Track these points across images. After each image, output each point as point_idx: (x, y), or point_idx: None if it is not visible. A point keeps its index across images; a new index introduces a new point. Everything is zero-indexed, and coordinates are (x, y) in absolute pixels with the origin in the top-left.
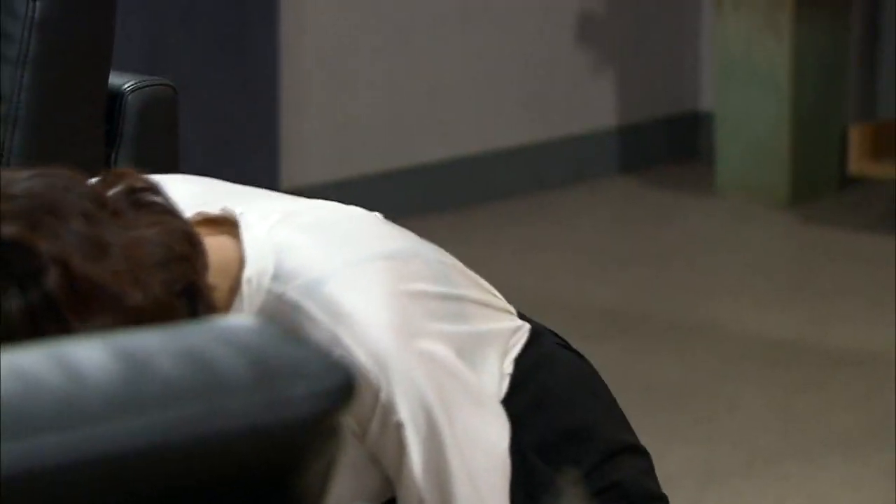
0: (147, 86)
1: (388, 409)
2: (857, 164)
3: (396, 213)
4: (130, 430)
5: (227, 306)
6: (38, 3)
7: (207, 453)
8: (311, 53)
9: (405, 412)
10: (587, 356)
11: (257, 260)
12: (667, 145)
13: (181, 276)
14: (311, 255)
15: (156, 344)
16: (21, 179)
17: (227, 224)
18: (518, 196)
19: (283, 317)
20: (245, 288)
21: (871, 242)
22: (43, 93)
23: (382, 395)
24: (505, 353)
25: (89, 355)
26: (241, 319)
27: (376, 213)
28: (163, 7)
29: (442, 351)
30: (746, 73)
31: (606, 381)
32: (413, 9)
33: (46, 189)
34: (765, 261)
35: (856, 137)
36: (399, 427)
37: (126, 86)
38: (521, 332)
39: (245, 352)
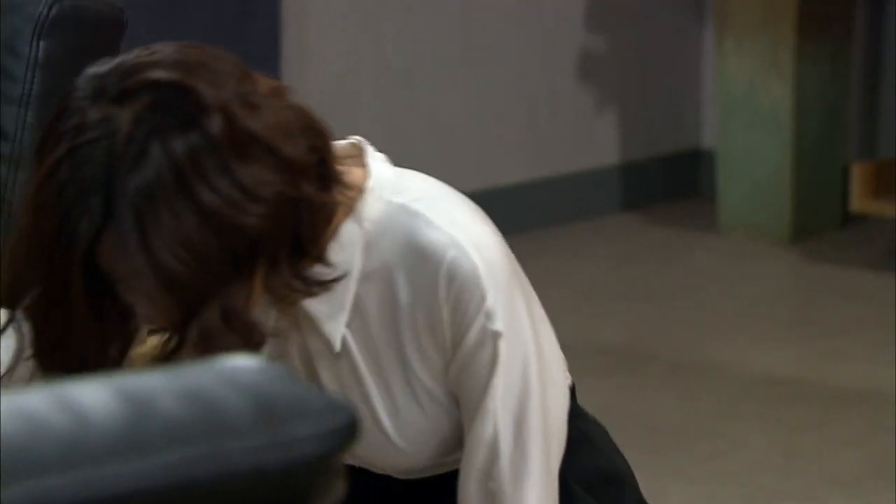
0: None
1: (491, 316)
2: (859, 201)
3: None
4: (134, 471)
5: (348, 208)
6: (41, 43)
7: (211, 494)
8: (313, 91)
9: (504, 324)
10: (589, 394)
11: (380, 176)
12: (669, 183)
13: (319, 146)
14: (429, 185)
15: (159, 385)
16: (175, 47)
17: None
18: (520, 233)
19: (400, 222)
20: (367, 195)
21: (873, 280)
22: None
23: (489, 300)
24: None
25: (92, 396)
26: (244, 360)
27: None
28: None
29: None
30: (748, 111)
31: (609, 420)
32: (415, 46)
33: (200, 53)
34: (767, 298)
35: (858, 175)
36: (496, 337)
37: None
38: (568, 382)
39: (248, 392)
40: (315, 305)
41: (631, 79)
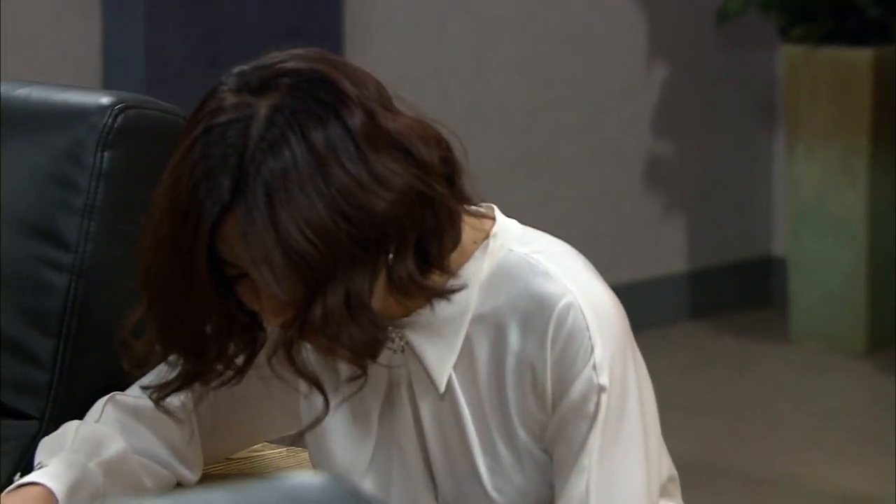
0: None
1: (599, 369)
2: None
3: None
4: None
5: (472, 249)
6: (106, 154)
7: None
8: None
9: (610, 379)
10: None
11: (507, 226)
12: (738, 291)
13: (450, 158)
14: (554, 242)
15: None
16: (316, 49)
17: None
18: None
19: (519, 271)
20: (491, 241)
21: None
22: (108, 243)
23: (597, 353)
24: None
25: None
26: (307, 478)
27: None
28: None
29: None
30: (820, 218)
31: None
32: (479, 153)
33: (341, 57)
34: (840, 412)
35: None
36: (600, 391)
37: None
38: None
39: None
40: (424, 343)
41: (699, 184)
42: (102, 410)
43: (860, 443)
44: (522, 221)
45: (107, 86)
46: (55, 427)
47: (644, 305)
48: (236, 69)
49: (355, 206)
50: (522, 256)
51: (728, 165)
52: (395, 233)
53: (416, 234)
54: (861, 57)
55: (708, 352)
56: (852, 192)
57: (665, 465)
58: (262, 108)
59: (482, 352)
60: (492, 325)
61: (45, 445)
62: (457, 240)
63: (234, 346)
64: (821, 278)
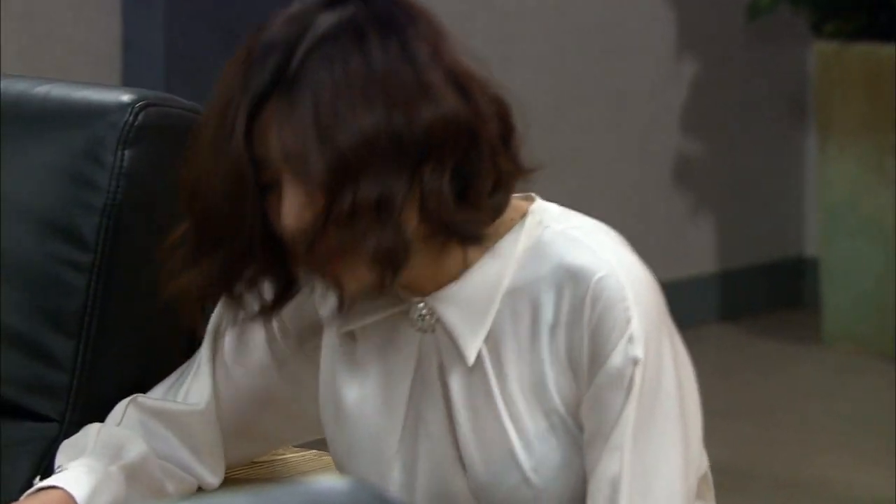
0: None
1: (634, 341)
2: None
3: None
4: None
5: (507, 227)
6: (126, 152)
7: None
8: None
9: (645, 352)
10: None
11: (546, 206)
12: (769, 292)
13: (506, 120)
14: (593, 221)
15: None
16: None
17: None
18: None
19: (556, 245)
20: (529, 217)
21: None
22: (129, 242)
23: (634, 325)
24: None
25: None
26: (332, 482)
27: None
28: None
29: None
30: (852, 219)
31: None
32: None
33: None
34: (874, 415)
35: None
36: (635, 363)
37: None
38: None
39: None
40: (455, 316)
41: (729, 184)
42: (124, 413)
43: (892, 446)
44: None
45: (127, 82)
46: (75, 429)
47: (674, 307)
48: None
49: (400, 109)
50: (559, 232)
51: (758, 164)
52: (434, 152)
53: (455, 162)
54: (889, 53)
55: (738, 354)
56: (884, 192)
57: (703, 460)
58: (326, 15)
59: (516, 326)
60: (526, 299)
61: (66, 449)
62: (501, 197)
63: (268, 282)
64: (853, 279)
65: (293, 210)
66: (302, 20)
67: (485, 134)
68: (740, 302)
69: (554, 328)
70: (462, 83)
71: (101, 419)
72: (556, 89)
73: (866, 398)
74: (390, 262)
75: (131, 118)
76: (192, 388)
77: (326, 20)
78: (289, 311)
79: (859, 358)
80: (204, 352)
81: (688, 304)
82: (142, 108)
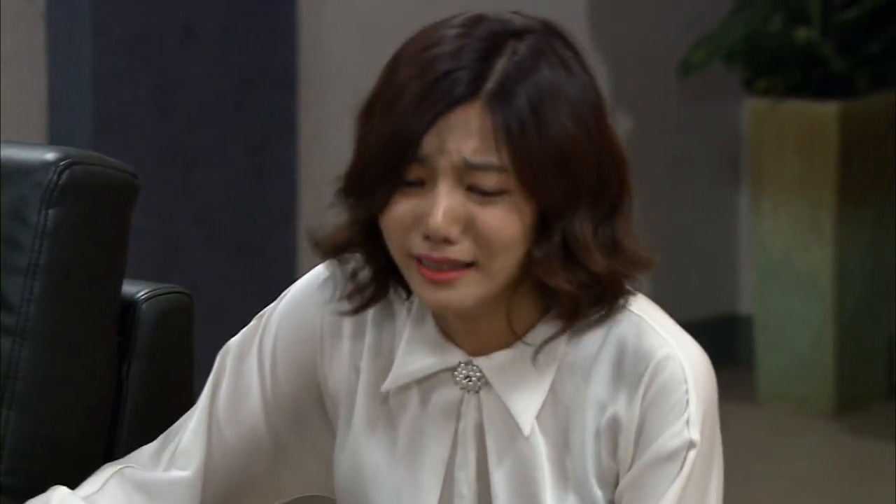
0: (162, 294)
1: (692, 424)
2: None
3: None
4: None
5: None
6: (50, 212)
7: None
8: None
9: (701, 436)
10: None
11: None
12: (704, 349)
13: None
14: (646, 299)
15: None
16: None
17: None
18: None
19: (616, 324)
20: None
21: None
22: (53, 304)
23: (692, 407)
24: None
25: None
26: None
27: None
28: (178, 210)
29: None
30: (787, 276)
31: None
32: None
33: None
34: (809, 475)
35: None
36: (690, 447)
37: (140, 294)
38: None
39: None
40: (507, 384)
41: (663, 241)
42: (105, 483)
43: None
44: None
45: (53, 139)
46: (4, 500)
47: None
48: (452, 27)
49: (605, 149)
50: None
51: (692, 221)
52: (614, 186)
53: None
54: (827, 111)
55: None
56: (819, 249)
57: None
58: (514, 37)
59: (564, 397)
60: (580, 371)
61: None
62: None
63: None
64: (788, 337)
65: (448, 209)
66: (492, 40)
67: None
68: None
69: (604, 405)
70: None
71: (38, 487)
72: None
73: (805, 458)
74: (578, 304)
75: (55, 177)
76: (183, 447)
77: (519, 40)
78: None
79: (796, 417)
80: (201, 404)
81: None
82: (66, 167)
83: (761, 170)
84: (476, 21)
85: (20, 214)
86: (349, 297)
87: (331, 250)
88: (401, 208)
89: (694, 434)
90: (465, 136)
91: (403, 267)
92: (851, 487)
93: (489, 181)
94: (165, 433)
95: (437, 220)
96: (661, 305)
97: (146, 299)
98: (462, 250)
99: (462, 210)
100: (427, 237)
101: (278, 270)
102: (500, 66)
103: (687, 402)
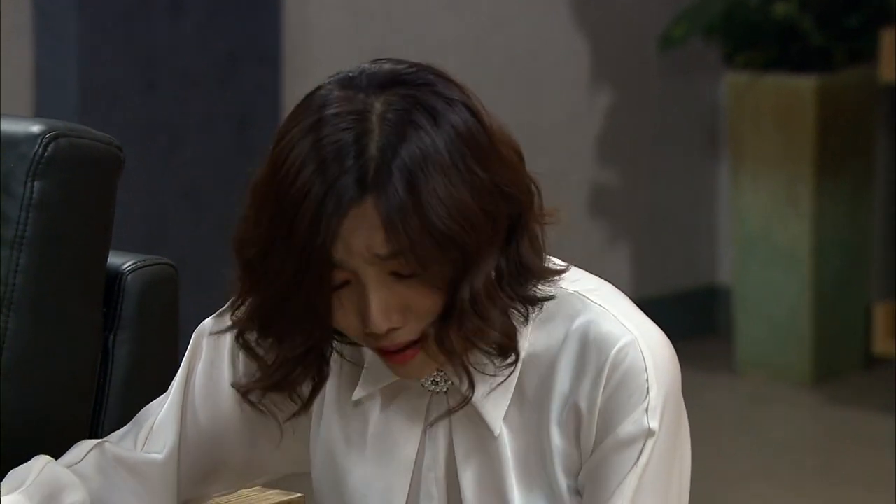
0: (147, 265)
1: (651, 412)
2: (882, 343)
3: None
4: None
5: None
6: (36, 183)
7: None
8: None
9: (660, 425)
10: None
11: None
12: (684, 320)
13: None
14: (604, 282)
15: None
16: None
17: None
18: None
19: (573, 309)
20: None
21: None
22: (39, 275)
23: (652, 395)
24: None
25: None
26: None
27: None
28: (163, 185)
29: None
30: (765, 248)
31: None
32: None
33: None
34: (787, 444)
35: (880, 316)
36: (649, 435)
37: (125, 266)
38: None
39: None
40: (476, 386)
41: (643, 213)
42: (86, 455)
43: (808, 475)
44: None
45: (39, 113)
46: None
47: None
48: (336, 76)
49: (488, 175)
50: (575, 294)
51: (673, 194)
52: (517, 219)
53: (527, 230)
54: (805, 84)
55: None
56: (797, 222)
57: None
58: (380, 99)
59: (528, 392)
60: (543, 365)
61: (9, 479)
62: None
63: (301, 371)
64: (766, 308)
65: (382, 314)
66: (358, 108)
67: (537, 200)
68: None
69: (567, 395)
70: (513, 146)
71: (23, 454)
72: None
73: (782, 427)
74: (510, 335)
75: (41, 149)
76: (157, 429)
77: (382, 104)
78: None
79: (773, 386)
80: (175, 385)
81: None
82: (52, 139)
83: (740, 144)
84: (345, 100)
85: (6, 186)
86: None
87: (269, 387)
88: (344, 319)
89: (653, 423)
90: (367, 233)
91: (364, 344)
92: (829, 455)
93: (402, 266)
94: (141, 412)
95: (375, 320)
96: (642, 277)
97: (132, 271)
98: (409, 331)
99: (395, 298)
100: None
101: None
102: (374, 150)
103: (647, 390)
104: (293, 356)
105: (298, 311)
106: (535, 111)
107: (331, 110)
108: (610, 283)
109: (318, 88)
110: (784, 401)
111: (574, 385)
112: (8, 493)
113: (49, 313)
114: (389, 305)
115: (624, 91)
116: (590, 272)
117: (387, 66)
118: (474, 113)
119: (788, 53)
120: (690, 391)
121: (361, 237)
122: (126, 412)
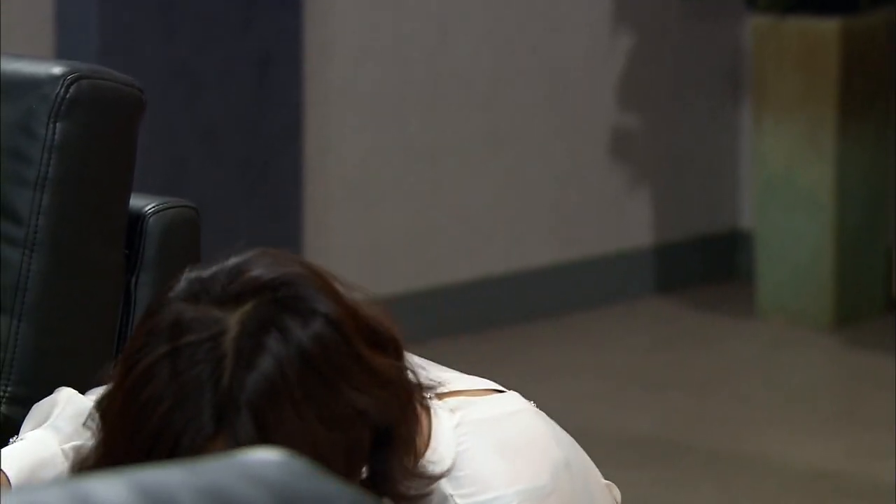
0: (169, 208)
1: None
2: None
3: (424, 334)
4: None
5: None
6: (58, 125)
7: None
8: (336, 174)
9: None
10: (622, 487)
11: (438, 452)
12: (705, 265)
13: (400, 352)
14: (486, 470)
15: (178, 481)
16: (271, 256)
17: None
18: (548, 318)
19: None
20: (434, 437)
21: None
22: (61, 216)
23: None
24: None
25: (109, 493)
26: (265, 455)
27: (532, 405)
28: (184, 128)
29: None
30: (787, 191)
31: None
32: (439, 129)
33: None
34: (808, 388)
35: None
36: None
37: (147, 208)
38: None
39: (270, 488)
40: None
41: (665, 157)
42: None
43: (828, 419)
44: (486, 197)
45: (60, 55)
46: (16, 406)
47: (609, 279)
48: (186, 276)
49: (349, 412)
50: (447, 499)
51: (694, 138)
52: (386, 426)
53: (398, 427)
54: (828, 27)
55: (673, 327)
56: (819, 165)
57: None
58: (232, 320)
59: None
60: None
61: (35, 413)
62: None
63: None
64: (788, 252)
65: None
66: (210, 336)
67: (413, 388)
68: (675, 275)
69: None
70: (386, 334)
71: (47, 394)
72: (493, 63)
73: (802, 371)
74: None
75: (62, 91)
76: None
77: (234, 328)
78: None
79: (794, 331)
80: None
81: (624, 277)
82: (73, 81)
83: (763, 87)
84: (199, 324)
85: (28, 128)
86: None
87: None
88: None
89: None
90: None
91: None
92: (850, 400)
93: None
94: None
95: None
96: (663, 222)
97: (153, 213)
98: None
99: None
100: None
101: (283, 186)
102: (226, 382)
103: None
104: None
105: None
106: (555, 55)
107: (186, 338)
108: (633, 226)
109: (166, 301)
110: (805, 345)
111: None
112: (35, 427)
113: (71, 254)
114: None
115: (646, 34)
116: (610, 217)
117: (247, 275)
118: (337, 325)
119: None
120: (711, 336)
121: None
122: None
